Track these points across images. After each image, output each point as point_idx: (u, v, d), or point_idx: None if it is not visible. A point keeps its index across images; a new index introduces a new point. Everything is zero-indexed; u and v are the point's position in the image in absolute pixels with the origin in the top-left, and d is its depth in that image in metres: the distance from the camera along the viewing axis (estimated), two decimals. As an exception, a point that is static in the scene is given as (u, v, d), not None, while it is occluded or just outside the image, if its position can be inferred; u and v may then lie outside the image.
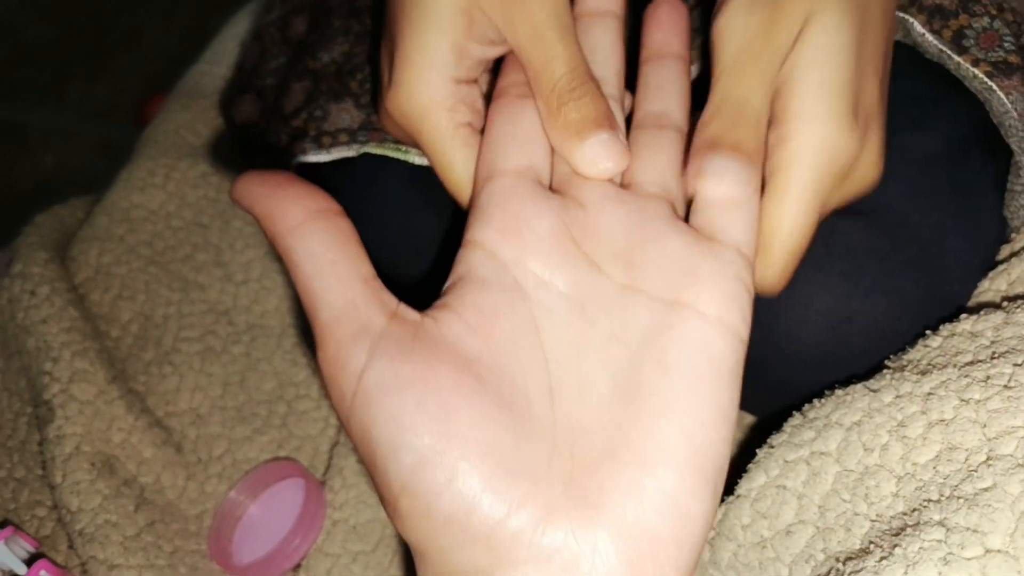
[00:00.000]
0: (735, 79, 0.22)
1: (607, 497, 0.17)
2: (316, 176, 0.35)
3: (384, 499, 0.18)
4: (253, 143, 0.43)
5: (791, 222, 0.21)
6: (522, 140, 0.22)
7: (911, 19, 0.29)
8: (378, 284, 0.19)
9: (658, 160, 0.22)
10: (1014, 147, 0.29)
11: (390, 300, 0.19)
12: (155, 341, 0.46)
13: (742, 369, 0.19)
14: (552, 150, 0.22)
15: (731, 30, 0.22)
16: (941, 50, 0.29)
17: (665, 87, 0.23)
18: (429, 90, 0.23)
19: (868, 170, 0.23)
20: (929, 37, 0.29)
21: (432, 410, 0.17)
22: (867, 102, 0.22)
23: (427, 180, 0.29)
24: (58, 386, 0.41)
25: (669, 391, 0.18)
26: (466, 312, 0.19)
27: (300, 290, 0.19)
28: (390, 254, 0.33)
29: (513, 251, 0.20)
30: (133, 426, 0.41)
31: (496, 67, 0.25)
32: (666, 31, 0.24)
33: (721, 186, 0.20)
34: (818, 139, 0.21)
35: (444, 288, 0.20)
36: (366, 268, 0.19)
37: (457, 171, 0.24)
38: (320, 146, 0.33)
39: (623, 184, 0.22)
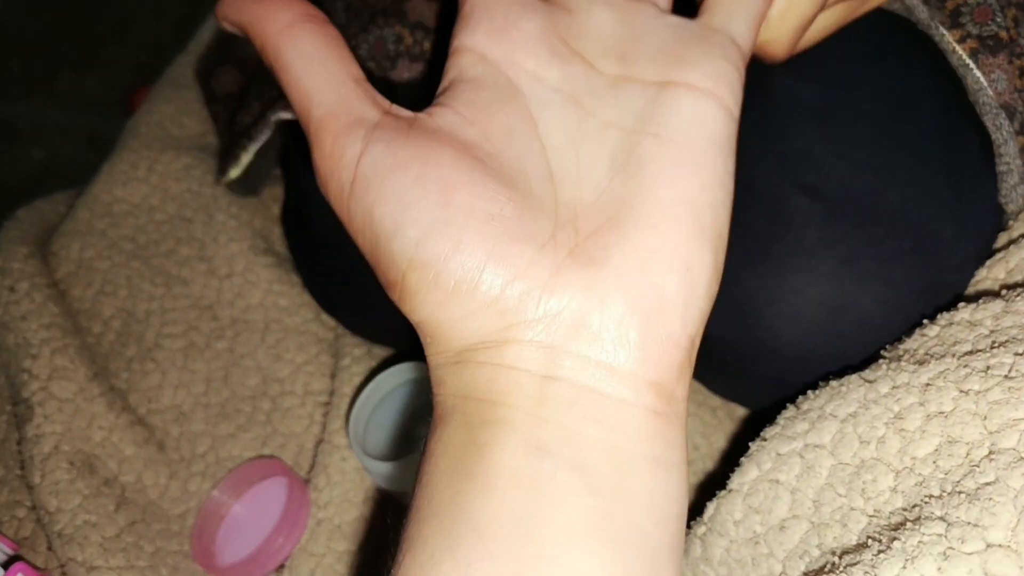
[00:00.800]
0: None
1: (612, 257, 0.17)
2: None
3: (390, 284, 0.18)
4: (231, 115, 0.42)
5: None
6: None
7: None
8: (369, 86, 0.20)
9: None
10: (988, 124, 0.29)
11: (382, 100, 0.20)
12: (137, 337, 0.45)
13: (735, 143, 0.19)
14: None
15: None
16: (931, 21, 0.28)
17: None
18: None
19: None
20: (921, 6, 0.28)
21: (433, 185, 0.18)
22: None
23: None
24: (37, 383, 0.40)
25: (666, 159, 0.18)
26: (461, 107, 0.19)
27: (291, 92, 0.20)
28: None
29: (503, 51, 0.20)
30: (114, 424, 0.40)
31: None
32: None
33: None
34: None
35: (437, 92, 0.20)
36: (356, 70, 0.20)
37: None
38: None
39: None
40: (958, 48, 0.28)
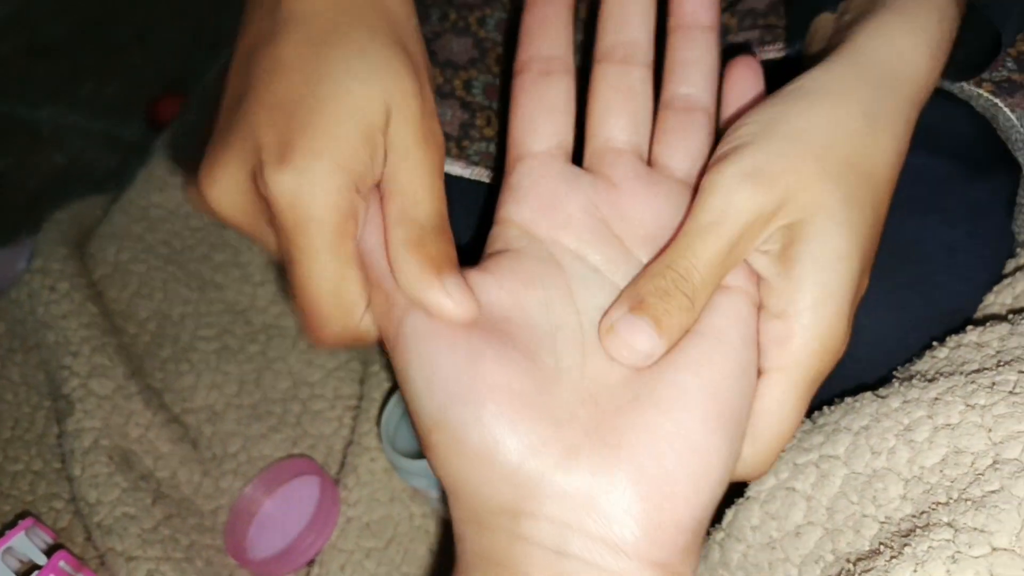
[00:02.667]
0: (694, 246, 0.20)
1: (626, 439, 0.18)
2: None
3: (420, 435, 0.19)
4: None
5: (787, 419, 0.22)
6: (549, 118, 0.23)
7: None
8: None
9: (685, 146, 0.23)
10: (1022, 161, 0.30)
11: None
12: (172, 339, 0.46)
13: (757, 336, 0.20)
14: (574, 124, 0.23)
15: (713, 193, 0.20)
16: (943, 80, 0.29)
17: (693, 64, 0.23)
18: (331, 186, 0.20)
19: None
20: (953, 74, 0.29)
21: (461, 354, 0.19)
22: (860, 296, 0.22)
23: (458, 188, 0.30)
24: (77, 380, 0.41)
25: (695, 350, 0.19)
26: (502, 275, 0.20)
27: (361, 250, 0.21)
28: None
29: (548, 229, 0.21)
30: (151, 422, 0.41)
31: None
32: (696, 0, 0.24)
33: (625, 354, 0.19)
34: (820, 343, 0.21)
35: (482, 255, 0.22)
36: None
37: (322, 288, 0.20)
38: None
39: (651, 162, 0.23)
40: (983, 92, 0.29)
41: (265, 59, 0.21)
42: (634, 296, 0.20)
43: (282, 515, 0.40)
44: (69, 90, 0.98)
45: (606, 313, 0.20)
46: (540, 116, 0.23)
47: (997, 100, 0.29)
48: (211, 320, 0.47)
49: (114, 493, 0.38)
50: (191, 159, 0.22)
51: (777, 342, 0.21)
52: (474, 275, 0.21)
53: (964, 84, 0.29)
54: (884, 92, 0.22)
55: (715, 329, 0.20)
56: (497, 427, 0.18)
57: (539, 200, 0.22)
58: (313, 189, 0.19)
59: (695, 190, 0.21)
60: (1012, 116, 0.29)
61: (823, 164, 0.20)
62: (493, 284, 0.20)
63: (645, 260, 0.21)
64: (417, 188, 0.21)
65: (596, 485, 0.18)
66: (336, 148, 0.20)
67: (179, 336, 0.46)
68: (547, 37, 0.23)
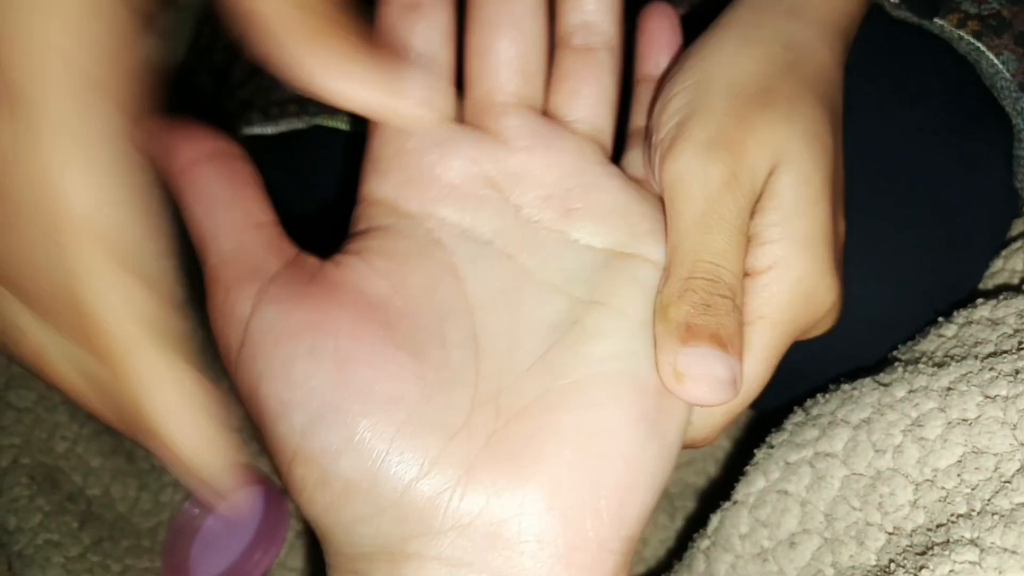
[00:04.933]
0: (703, 244, 0.18)
1: (536, 447, 0.15)
2: (264, 149, 0.32)
3: (279, 469, 0.16)
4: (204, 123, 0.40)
5: (755, 376, 0.19)
6: (419, 69, 0.18)
7: None
8: (276, 231, 0.17)
9: (588, 91, 0.19)
10: (1008, 109, 0.28)
11: (288, 248, 0.17)
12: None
13: None
14: (450, 65, 0.19)
15: (688, 183, 0.18)
16: (920, 19, 0.27)
17: None
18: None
19: (831, 318, 0.21)
20: (904, 9, 0.27)
21: (327, 359, 0.15)
22: (840, 245, 0.21)
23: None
24: (-8, 393, 0.38)
25: (617, 333, 0.17)
26: (372, 256, 0.17)
27: (192, 234, 0.17)
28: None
29: (420, 204, 0.18)
30: (78, 434, 0.38)
31: None
32: None
33: (708, 392, 0.16)
34: (797, 294, 0.19)
35: (347, 236, 0.18)
36: (263, 214, 0.17)
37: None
38: (268, 117, 0.31)
39: (546, 114, 0.19)
40: (964, 34, 0.27)
41: None
42: (673, 326, 0.17)
43: (226, 532, 0.37)
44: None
45: (659, 363, 0.16)
46: (407, 64, 0.18)
47: (979, 43, 0.27)
48: (145, 318, 0.43)
49: (36, 518, 0.34)
50: None
51: (752, 292, 0.19)
52: (342, 259, 0.17)
53: (944, 24, 0.27)
54: (801, 23, 0.21)
55: (628, 305, 0.17)
56: (374, 450, 0.15)
57: (405, 171, 0.18)
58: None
59: (653, 167, 0.19)
60: (996, 61, 0.27)
61: (773, 111, 0.19)
62: (362, 265, 0.17)
63: (551, 226, 0.18)
64: None
65: (500, 509, 0.15)
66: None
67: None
68: None
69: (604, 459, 0.15)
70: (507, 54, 0.19)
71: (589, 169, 0.19)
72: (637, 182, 0.20)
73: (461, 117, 0.19)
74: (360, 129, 0.29)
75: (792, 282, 0.18)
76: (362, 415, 0.15)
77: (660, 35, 0.22)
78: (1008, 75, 0.27)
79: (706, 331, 0.17)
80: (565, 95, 0.19)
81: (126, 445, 0.40)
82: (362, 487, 0.15)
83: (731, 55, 0.20)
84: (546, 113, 0.20)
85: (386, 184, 0.18)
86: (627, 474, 0.15)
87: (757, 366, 0.19)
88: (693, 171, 0.18)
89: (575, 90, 0.19)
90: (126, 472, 0.39)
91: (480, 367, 0.16)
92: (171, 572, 0.36)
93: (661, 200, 0.19)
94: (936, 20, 0.27)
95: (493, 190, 0.18)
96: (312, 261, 0.17)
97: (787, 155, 0.19)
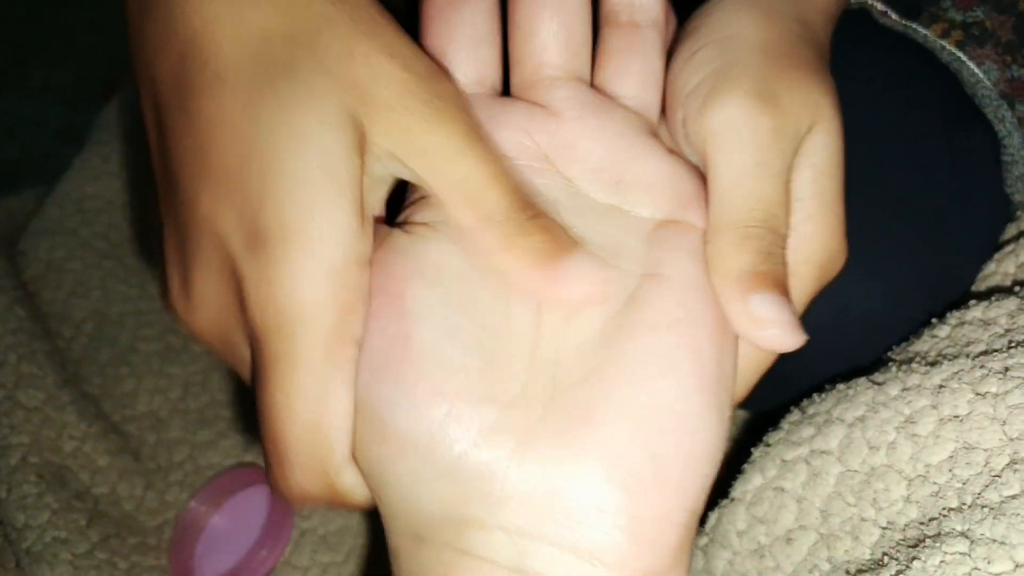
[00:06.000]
0: (758, 192, 0.18)
1: (595, 417, 0.15)
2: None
3: None
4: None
5: None
6: (466, 46, 0.19)
7: (871, 3, 0.28)
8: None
9: (636, 68, 0.19)
10: (990, 116, 0.28)
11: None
12: (111, 340, 0.43)
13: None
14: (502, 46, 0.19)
15: (738, 130, 0.18)
16: (906, 24, 0.28)
17: None
18: (321, 270, 0.15)
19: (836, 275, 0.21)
20: (892, 14, 0.28)
21: (392, 318, 0.16)
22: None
23: None
24: (3, 392, 0.38)
25: (669, 303, 0.16)
26: (434, 227, 0.17)
27: None
28: None
29: None
30: (86, 433, 0.38)
31: None
32: None
33: (790, 337, 0.17)
34: (824, 252, 0.19)
35: (406, 203, 0.18)
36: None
37: (297, 415, 0.16)
38: None
39: (595, 89, 0.20)
40: (947, 45, 0.28)
41: (184, 123, 0.16)
42: (737, 275, 0.17)
43: (231, 530, 0.37)
44: (18, 78, 0.94)
45: (730, 312, 0.17)
46: (454, 48, 0.19)
47: (961, 54, 0.27)
48: (152, 319, 0.44)
49: (44, 516, 0.35)
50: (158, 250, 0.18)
51: None
52: (407, 226, 0.17)
53: (928, 34, 0.27)
54: (807, 6, 0.21)
55: (681, 274, 0.17)
56: (432, 409, 0.15)
57: None
58: (296, 281, 0.15)
59: (682, 126, 0.19)
60: (977, 71, 0.27)
61: (804, 73, 0.19)
62: (426, 236, 0.17)
63: (599, 197, 0.18)
64: (468, 178, 0.16)
65: (560, 478, 0.15)
66: (314, 215, 0.15)
67: (118, 337, 0.43)
68: None
69: (665, 430, 0.15)
70: (551, 27, 0.19)
71: (637, 140, 0.19)
72: (675, 152, 0.20)
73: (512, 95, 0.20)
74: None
75: (821, 241, 0.19)
76: (422, 376, 0.15)
77: None
78: (989, 84, 0.27)
79: (772, 278, 0.17)
80: (613, 71, 0.20)
81: (132, 444, 0.40)
82: (419, 446, 0.15)
83: (754, 19, 0.20)
84: (595, 88, 0.20)
85: None
86: (689, 445, 0.15)
87: None
88: (742, 118, 0.18)
89: (623, 66, 0.19)
90: (132, 471, 0.39)
91: (539, 338, 0.16)
92: (177, 570, 0.36)
93: (700, 172, 0.19)
94: (920, 30, 0.27)
95: (545, 162, 0.18)
96: (381, 227, 0.17)
97: (821, 116, 0.19)
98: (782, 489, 0.25)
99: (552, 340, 0.16)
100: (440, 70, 0.17)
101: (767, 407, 0.31)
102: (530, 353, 0.16)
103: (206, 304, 0.17)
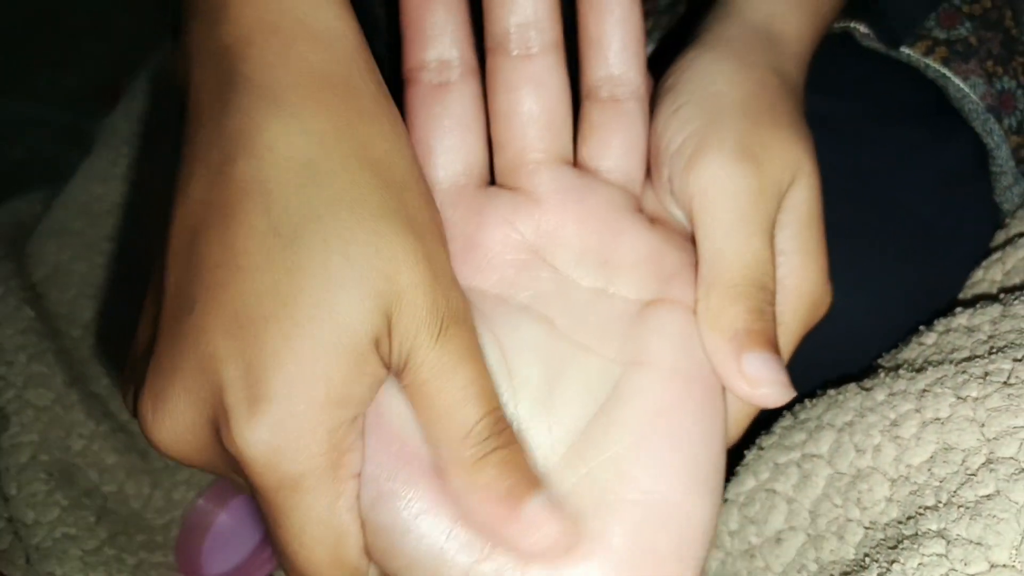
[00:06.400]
0: (746, 249, 0.18)
1: (591, 526, 0.16)
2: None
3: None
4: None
5: None
6: (451, 137, 0.19)
7: (854, 25, 0.28)
8: None
9: (618, 142, 0.20)
10: (978, 129, 0.29)
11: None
12: (118, 341, 0.44)
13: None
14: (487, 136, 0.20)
15: (723, 189, 0.18)
16: (888, 48, 0.28)
17: (613, 36, 0.20)
18: (319, 433, 0.15)
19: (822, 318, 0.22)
20: (873, 38, 0.28)
21: (390, 440, 0.16)
22: None
23: None
24: (13, 391, 0.39)
25: (655, 392, 0.17)
26: None
27: None
28: None
29: (463, 277, 0.18)
30: (94, 432, 0.39)
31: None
32: None
33: (781, 395, 0.18)
34: (808, 303, 0.20)
35: None
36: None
37: (317, 552, 0.16)
38: None
39: (577, 165, 0.20)
40: (931, 63, 0.28)
41: (217, 247, 0.16)
42: (731, 333, 0.17)
43: (238, 528, 0.38)
44: (25, 81, 0.94)
45: (723, 371, 0.17)
46: (439, 139, 0.19)
47: (946, 70, 0.28)
48: (159, 321, 0.44)
49: (53, 512, 0.35)
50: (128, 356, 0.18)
51: None
52: None
53: (911, 52, 0.28)
54: (782, 55, 0.22)
55: (664, 359, 0.17)
56: (433, 532, 0.16)
57: (451, 244, 0.19)
58: (296, 443, 0.15)
59: (669, 186, 0.19)
60: (963, 86, 0.28)
61: (783, 129, 0.19)
62: None
63: (585, 281, 0.18)
64: (451, 399, 0.16)
65: None
66: (322, 385, 0.15)
67: (125, 338, 0.44)
68: (435, 33, 0.19)
69: (660, 528, 0.16)
70: (532, 112, 0.19)
71: (620, 219, 0.19)
72: (656, 220, 0.20)
73: (496, 180, 0.20)
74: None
75: (806, 292, 0.19)
76: (421, 500, 0.16)
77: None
78: (975, 98, 0.28)
79: (764, 336, 0.17)
80: (596, 146, 0.20)
81: (140, 444, 0.41)
82: (427, 564, 0.15)
83: (731, 74, 0.20)
84: (578, 164, 0.20)
85: None
86: (684, 534, 0.16)
87: None
88: (726, 178, 0.18)
89: (605, 140, 0.20)
90: (140, 470, 0.39)
91: (526, 445, 0.17)
92: (185, 566, 0.37)
93: (684, 240, 0.19)
94: (903, 49, 0.28)
95: (531, 253, 0.18)
96: None
97: (801, 170, 0.19)
98: (774, 491, 0.25)
99: (540, 447, 0.17)
100: (455, 281, 0.17)
101: (759, 415, 0.31)
102: None
103: (177, 425, 0.16)
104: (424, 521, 0.16)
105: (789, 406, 0.27)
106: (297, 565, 0.16)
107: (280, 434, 0.15)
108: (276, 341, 0.15)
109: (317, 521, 0.16)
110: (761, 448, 0.26)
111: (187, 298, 0.16)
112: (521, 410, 0.17)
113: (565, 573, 0.15)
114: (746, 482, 0.26)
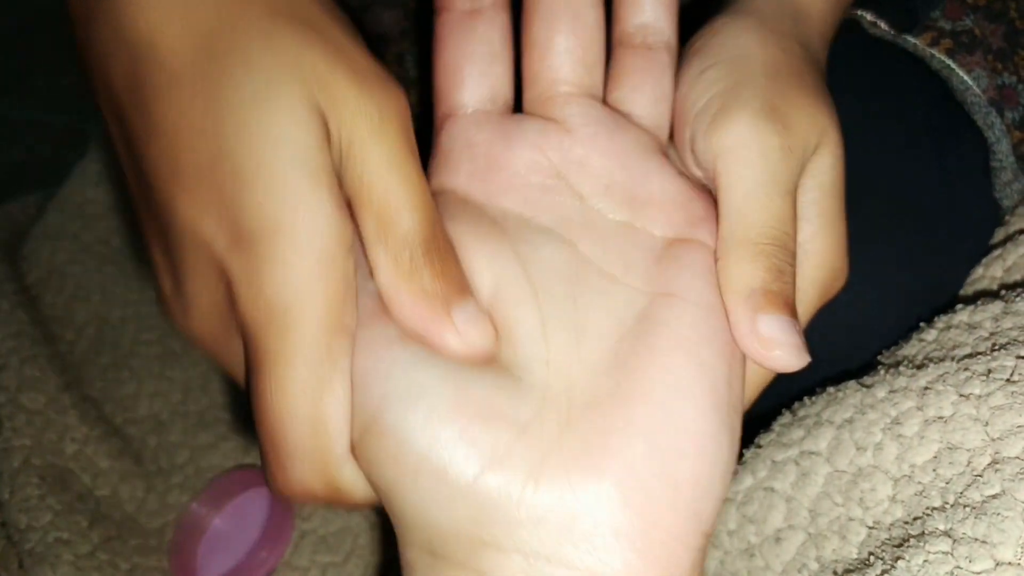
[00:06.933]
0: (769, 208, 0.18)
1: (610, 440, 0.15)
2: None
3: (351, 440, 0.16)
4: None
5: None
6: (480, 63, 0.19)
7: (860, 14, 0.28)
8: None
9: (649, 88, 0.20)
10: (979, 123, 0.29)
11: None
12: (112, 344, 0.44)
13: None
14: (513, 63, 0.19)
15: (748, 147, 0.18)
16: (895, 35, 0.28)
17: None
18: (311, 263, 0.15)
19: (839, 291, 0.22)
20: (882, 24, 0.28)
21: (403, 346, 0.16)
22: None
23: None
24: (5, 395, 0.38)
25: (682, 323, 0.16)
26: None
27: None
28: None
29: (488, 195, 0.18)
30: (88, 436, 0.39)
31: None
32: None
33: (795, 358, 0.17)
34: (827, 270, 0.19)
35: None
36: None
37: (294, 407, 0.16)
38: None
39: (607, 105, 0.20)
40: (936, 53, 0.28)
41: (148, 128, 0.16)
42: (748, 293, 0.17)
43: (232, 531, 0.38)
44: (21, 83, 0.94)
45: (738, 331, 0.17)
46: (468, 64, 0.19)
47: (951, 61, 0.28)
48: (153, 322, 0.44)
49: (46, 517, 0.35)
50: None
51: None
52: None
53: (917, 43, 0.28)
54: (808, 29, 0.22)
55: (694, 293, 0.17)
56: (447, 432, 0.15)
57: (474, 163, 0.18)
58: (285, 273, 0.15)
59: (690, 145, 0.19)
60: (967, 78, 0.28)
61: (810, 94, 0.19)
62: None
63: (611, 214, 0.18)
64: (390, 195, 0.16)
65: (576, 502, 0.15)
66: (296, 208, 0.15)
67: (119, 341, 0.44)
68: None
69: (679, 453, 0.15)
70: (567, 44, 0.19)
71: (649, 158, 0.19)
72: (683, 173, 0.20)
73: (525, 111, 0.20)
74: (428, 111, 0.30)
75: (826, 261, 0.19)
76: (436, 399, 0.15)
77: None
78: (979, 91, 0.28)
79: (782, 298, 0.17)
80: (627, 90, 0.20)
81: (134, 447, 0.41)
82: (434, 468, 0.15)
83: (761, 40, 0.20)
84: (607, 106, 0.20)
85: (456, 176, 0.18)
86: (703, 467, 0.15)
87: None
88: (752, 137, 0.18)
89: (636, 85, 0.20)
90: (134, 474, 0.39)
91: (550, 360, 0.16)
92: (178, 571, 0.37)
93: (710, 196, 0.19)
94: (910, 39, 0.28)
95: (558, 179, 0.18)
96: None
97: (826, 137, 0.19)
98: (772, 489, 0.25)
99: (564, 362, 0.16)
100: (388, 75, 0.17)
101: (760, 408, 0.31)
102: (543, 375, 0.16)
103: (200, 307, 0.17)
104: (438, 419, 0.15)
105: (788, 403, 0.27)
106: (269, 424, 0.16)
107: (271, 266, 0.15)
108: (230, 181, 0.15)
109: (302, 367, 0.15)
110: (759, 446, 0.26)
111: (145, 187, 0.17)
112: (548, 324, 0.17)
113: (579, 487, 0.15)
114: (744, 480, 0.26)
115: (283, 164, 0.15)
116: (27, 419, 0.38)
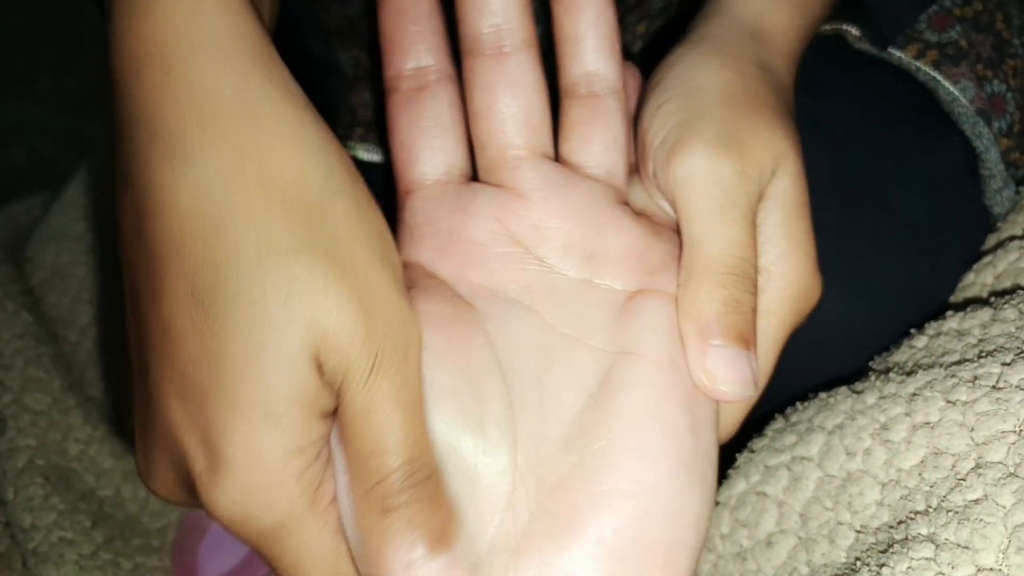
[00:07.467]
0: (726, 236, 0.18)
1: (579, 514, 0.16)
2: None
3: None
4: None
5: (765, 370, 0.20)
6: (431, 137, 0.19)
7: (846, 27, 0.28)
8: None
9: (599, 137, 0.20)
10: (968, 133, 0.29)
11: None
12: (115, 345, 0.44)
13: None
14: (468, 134, 0.20)
15: (702, 177, 0.18)
16: (880, 51, 0.28)
17: (587, 34, 0.20)
18: (285, 482, 0.16)
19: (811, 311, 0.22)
20: (865, 42, 0.28)
21: None
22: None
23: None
24: (10, 396, 0.39)
25: (641, 383, 0.17)
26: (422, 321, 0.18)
27: None
28: None
29: (451, 269, 0.19)
30: (91, 436, 0.39)
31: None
32: None
33: (739, 391, 0.17)
34: (797, 291, 0.19)
35: None
36: None
37: (349, 563, 0.16)
38: None
39: (559, 162, 0.20)
40: (922, 66, 0.28)
41: (151, 311, 0.16)
42: (701, 324, 0.17)
43: (233, 531, 0.38)
44: (26, 85, 0.94)
45: (690, 362, 0.17)
46: (420, 139, 0.19)
47: (936, 73, 0.28)
48: (156, 325, 0.44)
49: (50, 517, 0.35)
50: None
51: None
52: None
53: (903, 55, 0.28)
54: (768, 49, 0.22)
55: (653, 350, 0.17)
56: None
57: (437, 238, 0.19)
58: (266, 499, 0.15)
59: (649, 177, 0.20)
60: (953, 89, 0.28)
61: (765, 117, 0.19)
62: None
63: (571, 272, 0.18)
64: (377, 432, 0.16)
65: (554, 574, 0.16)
66: (274, 442, 0.15)
67: (122, 342, 0.44)
68: (411, 43, 0.19)
69: (648, 518, 0.16)
70: (509, 110, 0.19)
71: (604, 212, 0.19)
72: (643, 214, 0.20)
73: (480, 178, 0.20)
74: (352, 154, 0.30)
75: (794, 280, 0.19)
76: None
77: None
78: (965, 102, 0.28)
79: (734, 331, 0.17)
80: (576, 141, 0.20)
81: (137, 447, 0.41)
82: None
83: (715, 68, 0.20)
84: (560, 161, 0.20)
85: (421, 251, 0.19)
86: (674, 528, 0.16)
87: (768, 360, 0.20)
88: (706, 166, 0.18)
89: (586, 136, 0.20)
90: (136, 474, 0.40)
91: (518, 441, 0.17)
92: (181, 570, 0.37)
93: (671, 232, 0.19)
94: (895, 52, 0.28)
95: (517, 246, 0.19)
96: None
97: (784, 159, 0.19)
98: (764, 494, 0.25)
99: (531, 443, 0.17)
100: (404, 306, 0.17)
101: (753, 414, 0.31)
102: (512, 459, 0.16)
103: (167, 481, 0.17)
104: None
105: (780, 408, 0.27)
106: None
107: (248, 495, 0.15)
108: (219, 410, 0.15)
109: (309, 554, 0.16)
110: (752, 451, 0.27)
111: (142, 358, 0.17)
112: (515, 403, 0.17)
113: (556, 565, 0.15)
114: (737, 485, 0.26)
115: (268, 388, 0.15)
116: (31, 419, 0.38)
